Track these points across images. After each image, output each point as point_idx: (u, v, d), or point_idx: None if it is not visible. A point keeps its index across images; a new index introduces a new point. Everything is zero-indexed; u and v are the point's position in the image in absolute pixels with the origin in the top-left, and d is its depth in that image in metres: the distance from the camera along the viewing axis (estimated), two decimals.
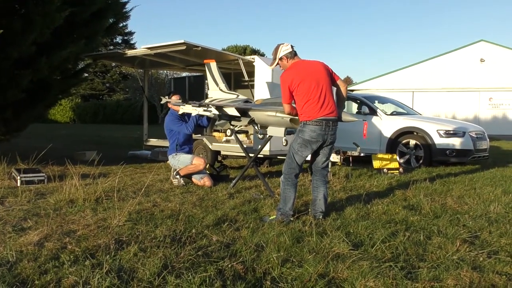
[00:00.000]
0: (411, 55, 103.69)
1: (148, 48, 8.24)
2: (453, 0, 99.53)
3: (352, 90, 25.94)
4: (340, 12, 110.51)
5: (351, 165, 8.46)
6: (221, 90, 7.18)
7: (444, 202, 5.72)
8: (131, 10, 10.72)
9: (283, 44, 4.81)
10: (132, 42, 42.07)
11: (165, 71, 32.98)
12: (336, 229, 4.25)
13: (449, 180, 7.59)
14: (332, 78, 4.79)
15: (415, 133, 9.84)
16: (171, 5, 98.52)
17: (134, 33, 42.99)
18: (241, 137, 8.14)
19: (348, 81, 53.47)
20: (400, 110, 11.44)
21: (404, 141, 9.87)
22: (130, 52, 9.17)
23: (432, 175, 7.99)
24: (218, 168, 7.73)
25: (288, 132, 5.60)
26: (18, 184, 6.29)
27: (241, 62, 8.17)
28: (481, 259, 3.52)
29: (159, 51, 8.10)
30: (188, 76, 11.85)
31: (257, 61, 8.15)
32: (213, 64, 7.40)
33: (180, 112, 6.64)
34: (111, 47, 34.27)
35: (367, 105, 10.52)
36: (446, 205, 5.53)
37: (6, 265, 3.19)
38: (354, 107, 11.50)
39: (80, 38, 8.54)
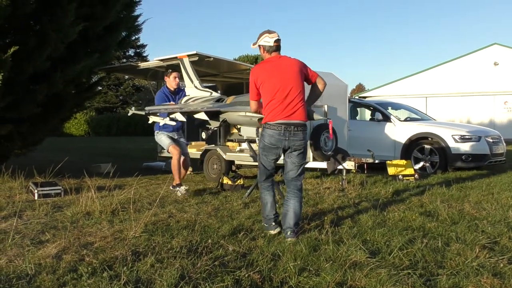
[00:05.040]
0: (423, 60, 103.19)
1: (161, 60, 8.32)
2: (464, 4, 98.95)
3: (365, 97, 25.87)
4: (352, 19, 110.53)
5: (365, 172, 8.40)
6: (195, 87, 7.02)
7: (462, 208, 5.65)
8: (143, 23, 10.84)
9: (268, 34, 4.36)
10: (144, 54, 42.51)
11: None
12: (353, 237, 4.22)
13: (466, 186, 7.50)
14: (307, 79, 4.44)
15: (429, 139, 9.76)
16: (181, 17, 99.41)
17: (146, 45, 43.43)
18: (255, 146, 8.14)
19: (360, 88, 53.29)
20: (414, 116, 11.38)
21: (418, 147, 9.80)
22: (143, 65, 9.26)
23: (448, 181, 7.91)
24: (232, 178, 7.73)
25: None
26: (36, 198, 6.36)
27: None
28: (501, 265, 3.47)
29: (171, 62, 8.17)
30: None
31: None
32: (186, 60, 7.09)
33: (149, 122, 6.52)
34: (124, 60, 34.62)
35: (380, 112, 10.48)
36: (464, 211, 5.47)
37: (25, 278, 3.22)
38: (367, 113, 11.47)
39: (94, 52, 8.65)
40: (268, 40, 4.35)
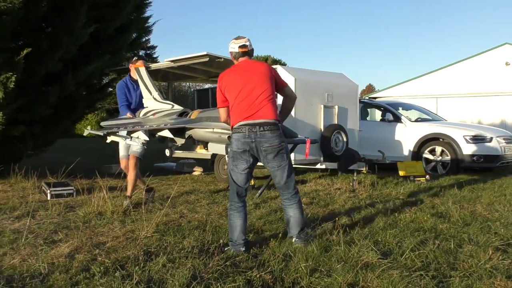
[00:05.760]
0: (434, 61, 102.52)
1: (172, 61, 8.35)
2: (475, 3, 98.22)
3: (375, 98, 25.75)
4: (360, 19, 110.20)
5: (376, 173, 8.37)
6: (154, 99, 6.26)
7: (474, 209, 5.61)
8: (153, 24, 10.92)
9: (235, 40, 4.14)
10: (154, 56, 42.59)
11: (188, 83, 33.30)
12: (364, 238, 4.20)
13: (478, 187, 7.44)
14: (276, 85, 4.12)
15: (441, 140, 9.70)
16: (190, 18, 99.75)
17: (156, 47, 43.47)
18: None
19: (370, 88, 53.08)
20: (425, 116, 11.31)
21: (429, 148, 9.74)
22: (153, 66, 9.30)
23: (460, 182, 7.85)
24: None
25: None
26: (48, 198, 6.41)
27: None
28: None
29: (182, 63, 8.21)
30: (211, 88, 11.94)
31: (280, 70, 8.17)
32: (142, 69, 6.23)
33: (107, 141, 5.76)
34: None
35: (391, 112, 10.43)
36: (476, 213, 5.42)
37: (38, 277, 3.25)
38: (378, 114, 11.43)
39: (105, 53, 8.72)
40: (233, 46, 4.14)
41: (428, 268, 3.41)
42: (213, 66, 8.84)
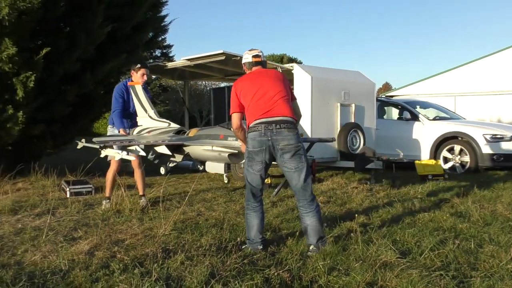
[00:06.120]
0: (451, 59, 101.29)
1: (188, 60, 8.40)
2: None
3: (392, 96, 25.55)
4: (378, 16, 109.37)
5: (394, 171, 8.30)
6: (150, 117, 6.09)
7: (494, 209, 5.52)
8: (169, 23, 10.96)
9: (248, 51, 4.26)
10: (170, 55, 42.85)
11: (203, 82, 33.44)
12: (382, 237, 4.17)
13: (498, 186, 7.33)
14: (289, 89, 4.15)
15: (459, 138, 9.58)
16: (206, 16, 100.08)
17: (172, 46, 43.73)
18: None
19: (387, 87, 52.68)
20: (443, 114, 11.18)
21: (448, 147, 9.63)
22: (170, 64, 9.37)
23: (480, 181, 7.73)
24: None
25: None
26: (68, 196, 6.50)
27: (280, 70, 8.19)
28: None
29: (198, 62, 8.24)
30: (227, 86, 11.97)
31: (296, 69, 8.16)
32: (138, 87, 6.02)
33: (101, 155, 5.45)
34: (151, 61, 35.10)
35: (409, 111, 10.35)
36: (496, 212, 5.35)
37: (59, 274, 3.30)
38: (395, 112, 11.33)
39: (122, 53, 8.78)
40: (247, 57, 4.23)
41: (448, 268, 3.37)
42: (229, 65, 8.86)
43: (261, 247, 3.90)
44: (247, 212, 4.05)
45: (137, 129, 6.00)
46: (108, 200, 5.83)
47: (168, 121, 5.97)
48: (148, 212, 5.35)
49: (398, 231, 4.43)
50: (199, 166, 5.44)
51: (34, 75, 6.84)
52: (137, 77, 6.10)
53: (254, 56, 4.19)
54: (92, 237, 4.20)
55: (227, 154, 4.54)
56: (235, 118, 4.10)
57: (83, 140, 4.95)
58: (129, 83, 6.07)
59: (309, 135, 7.81)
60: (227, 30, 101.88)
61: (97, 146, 4.69)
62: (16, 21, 6.47)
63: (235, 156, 4.53)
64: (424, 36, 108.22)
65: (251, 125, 3.97)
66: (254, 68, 4.19)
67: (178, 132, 5.56)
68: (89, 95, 8.72)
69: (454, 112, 12.65)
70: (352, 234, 4.21)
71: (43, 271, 3.35)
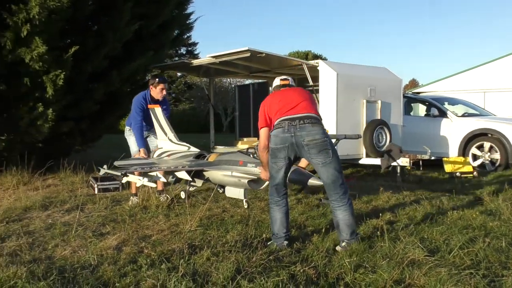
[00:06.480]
0: (481, 54, 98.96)
1: (213, 57, 8.41)
2: None
3: (419, 93, 25.19)
4: (405, 10, 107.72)
5: (421, 169, 8.18)
6: (170, 140, 6.07)
7: None
8: (195, 21, 11.02)
9: (279, 77, 4.43)
10: (195, 52, 43.12)
11: (228, 79, 33.59)
12: (409, 235, 4.12)
13: None
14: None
15: (489, 135, 9.36)
16: (230, 13, 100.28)
17: (197, 43, 44.02)
18: None
19: (413, 83, 51.90)
20: (472, 111, 10.93)
21: (477, 144, 9.42)
22: (196, 62, 9.41)
23: (510, 179, 7.55)
24: None
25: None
26: (96, 192, 6.61)
27: (305, 67, 8.15)
28: None
29: (224, 59, 8.25)
30: (252, 83, 11.97)
31: (321, 65, 8.10)
32: (158, 110, 6.00)
33: (123, 181, 5.55)
34: (176, 58, 35.37)
35: (436, 107, 10.16)
36: None
37: (88, 268, 3.36)
38: (422, 109, 11.14)
39: (148, 50, 8.88)
40: (276, 81, 4.42)
41: (479, 267, 3.31)
42: (254, 62, 8.84)
43: (286, 243, 3.90)
44: (271, 207, 4.08)
45: (157, 152, 6.03)
46: (135, 196, 5.90)
47: (187, 144, 5.98)
48: (174, 208, 5.40)
49: (425, 229, 4.36)
50: (219, 190, 5.43)
51: (63, 73, 6.97)
52: (156, 92, 6.08)
53: (282, 79, 4.36)
54: (120, 232, 4.28)
55: (246, 181, 4.57)
56: (263, 134, 4.13)
57: (105, 166, 5.02)
58: (149, 106, 6.05)
59: (334, 132, 7.74)
60: (252, 27, 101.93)
61: (119, 173, 4.76)
62: (46, 20, 6.59)
63: (255, 182, 4.57)
64: (453, 31, 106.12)
65: (275, 123, 4.00)
66: (281, 89, 4.31)
67: (198, 156, 5.56)
68: (116, 93, 8.85)
69: (484, 109, 12.35)
70: (378, 231, 4.16)
71: (73, 266, 3.42)
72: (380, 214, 4.92)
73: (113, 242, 4.00)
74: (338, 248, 3.79)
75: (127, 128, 6.30)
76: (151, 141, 6.32)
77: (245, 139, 10.67)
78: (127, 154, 6.58)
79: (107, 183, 6.83)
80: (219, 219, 4.88)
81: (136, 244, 3.97)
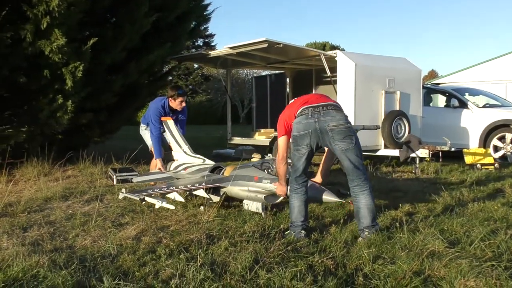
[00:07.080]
0: (502, 44, 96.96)
1: (231, 48, 8.41)
2: None
3: (438, 83, 24.84)
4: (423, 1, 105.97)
5: (441, 160, 8.08)
6: (185, 152, 6.05)
7: None
8: (212, 12, 11.00)
9: None
10: (212, 44, 43.11)
11: (245, 71, 33.53)
12: (429, 226, 4.07)
13: None
14: None
15: (511, 126, 9.19)
16: (247, 4, 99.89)
17: (214, 35, 43.99)
18: None
19: (432, 74, 51.18)
20: (494, 102, 10.73)
21: (499, 135, 9.26)
22: (213, 53, 9.42)
23: None
24: None
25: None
26: (115, 183, 6.67)
27: (323, 57, 8.09)
28: None
29: (241, 50, 8.24)
30: (269, 75, 11.94)
31: (339, 56, 8.03)
32: (171, 122, 6.02)
33: (142, 202, 5.18)
34: (193, 50, 35.40)
35: (457, 98, 9.99)
36: None
37: (108, 257, 3.40)
38: (442, 100, 10.98)
39: (166, 42, 8.90)
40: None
41: (500, 259, 3.25)
42: (271, 53, 8.81)
43: (304, 233, 3.89)
44: (290, 195, 4.07)
45: (174, 164, 6.02)
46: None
47: (202, 157, 5.96)
48: (192, 199, 5.42)
49: (445, 220, 4.31)
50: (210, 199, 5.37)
51: (82, 65, 7.02)
52: (176, 104, 6.11)
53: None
54: (139, 223, 4.31)
55: (263, 196, 4.58)
56: (281, 143, 4.12)
57: (124, 190, 5.06)
58: (162, 118, 6.09)
59: (353, 122, 7.68)
60: (269, 18, 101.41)
61: (137, 198, 4.83)
62: (65, 13, 6.64)
63: (272, 196, 4.56)
64: (473, 21, 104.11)
65: (297, 113, 3.98)
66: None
67: (213, 169, 5.55)
68: (134, 84, 8.90)
69: (506, 100, 12.12)
70: (397, 223, 4.12)
71: (93, 255, 3.46)
72: (399, 205, 4.88)
73: (132, 232, 4.03)
74: (359, 239, 3.77)
75: (142, 126, 6.44)
76: (167, 136, 6.34)
77: (262, 130, 10.67)
78: (144, 145, 6.64)
79: (126, 174, 6.87)
80: (237, 210, 4.89)
81: (155, 234, 4.00)
